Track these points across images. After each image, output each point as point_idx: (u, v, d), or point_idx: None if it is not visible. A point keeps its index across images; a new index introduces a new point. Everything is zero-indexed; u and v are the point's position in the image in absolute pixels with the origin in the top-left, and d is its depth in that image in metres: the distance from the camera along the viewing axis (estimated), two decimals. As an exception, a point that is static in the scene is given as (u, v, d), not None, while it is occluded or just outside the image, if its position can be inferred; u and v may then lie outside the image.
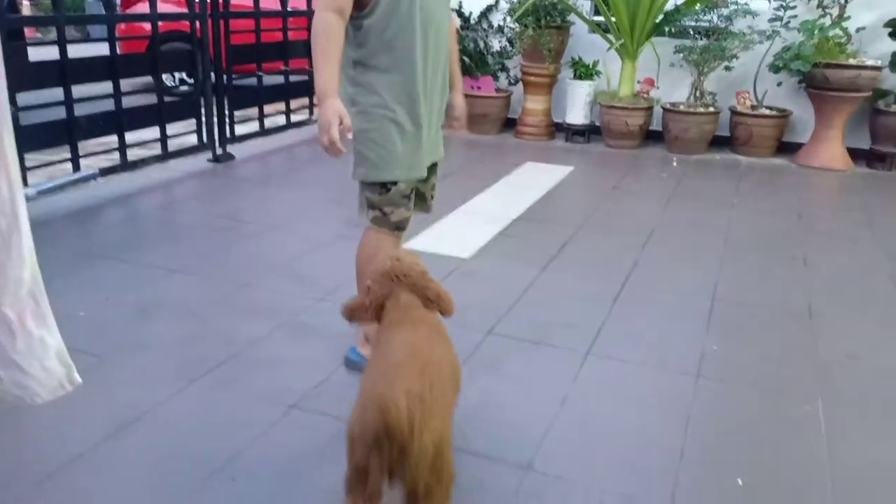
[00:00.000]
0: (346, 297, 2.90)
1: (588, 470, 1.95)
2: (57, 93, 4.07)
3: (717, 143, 5.94)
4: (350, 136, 2.06)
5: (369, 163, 2.22)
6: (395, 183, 2.25)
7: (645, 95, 5.97)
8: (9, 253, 1.36)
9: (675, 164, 5.58)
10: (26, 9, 13.35)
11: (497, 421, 2.17)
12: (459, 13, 6.38)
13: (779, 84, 5.69)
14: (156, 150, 4.86)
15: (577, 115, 6.15)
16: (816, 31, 5.35)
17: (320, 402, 2.24)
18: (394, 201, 2.27)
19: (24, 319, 1.43)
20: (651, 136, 6.11)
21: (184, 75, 7.29)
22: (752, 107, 5.78)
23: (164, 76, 4.98)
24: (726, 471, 1.97)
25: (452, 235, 3.79)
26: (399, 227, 2.31)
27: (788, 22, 5.52)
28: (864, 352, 2.66)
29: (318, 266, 3.31)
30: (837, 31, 5.40)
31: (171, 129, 4.93)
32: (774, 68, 5.55)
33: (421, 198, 2.46)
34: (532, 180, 4.94)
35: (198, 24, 5.00)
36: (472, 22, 6.36)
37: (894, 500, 1.87)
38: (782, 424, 2.19)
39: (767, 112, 5.75)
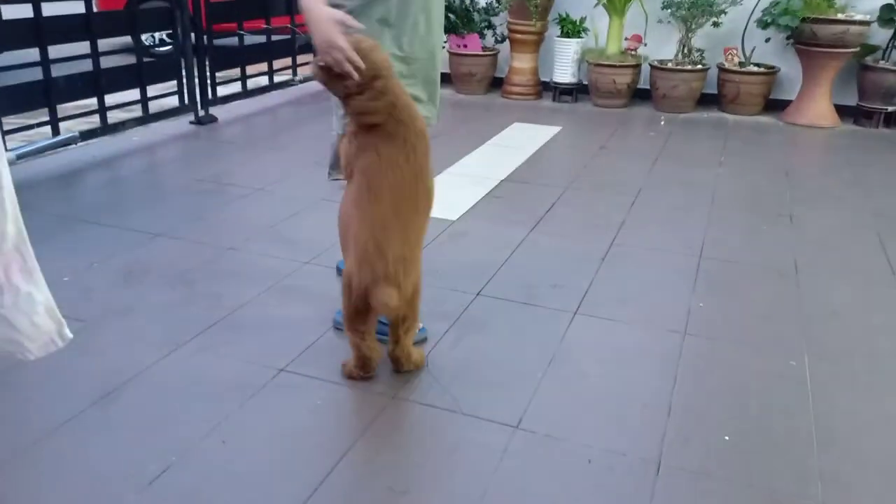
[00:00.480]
0: (332, 260, 2.91)
1: (576, 428, 1.97)
2: (32, 53, 3.96)
3: (705, 100, 5.91)
4: (360, 26, 1.90)
5: None
6: None
7: (633, 53, 5.91)
8: None
9: (662, 122, 5.56)
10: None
11: (486, 381, 2.18)
12: (444, -31, 6.25)
13: (767, 40, 5.64)
14: (136, 112, 4.77)
15: (564, 73, 6.08)
16: (805, -14, 5.29)
17: (309, 364, 2.24)
18: None
19: (11, 274, 1.41)
20: (639, 95, 6.06)
21: (163, 34, 7.13)
22: (740, 64, 5.74)
23: (143, 36, 4.85)
24: (713, 426, 1.99)
25: (440, 197, 3.71)
26: None
27: (777, -23, 5.45)
28: (848, 308, 2.68)
29: (303, 228, 3.29)
30: (826, -14, 5.35)
31: (152, 90, 4.83)
32: (763, 24, 5.49)
33: None
34: (520, 141, 4.91)
35: (176, -20, 4.87)
36: (458, -22, 6.24)
37: (876, 451, 1.91)
38: (768, 379, 2.22)
39: (755, 69, 5.71)
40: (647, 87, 5.98)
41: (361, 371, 2.11)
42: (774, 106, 5.80)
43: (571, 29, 5.98)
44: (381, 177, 1.86)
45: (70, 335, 1.50)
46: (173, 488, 1.72)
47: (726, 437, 1.94)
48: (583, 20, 6.00)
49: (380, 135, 1.88)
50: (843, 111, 5.60)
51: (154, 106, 4.86)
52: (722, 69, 5.77)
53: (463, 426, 1.97)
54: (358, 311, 1.95)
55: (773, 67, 5.73)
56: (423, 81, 2.29)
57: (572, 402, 2.09)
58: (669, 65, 5.80)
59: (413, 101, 1.95)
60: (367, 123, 1.88)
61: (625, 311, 2.61)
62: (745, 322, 2.57)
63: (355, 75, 1.82)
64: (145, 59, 4.80)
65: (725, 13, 5.60)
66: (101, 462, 1.80)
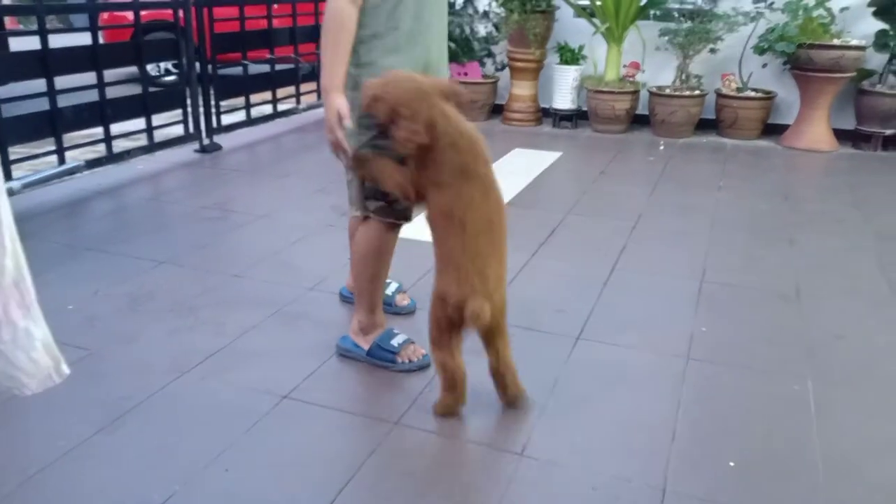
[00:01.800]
0: (335, 287, 2.92)
1: (581, 454, 1.97)
2: (39, 84, 4.02)
3: (704, 126, 5.96)
4: (348, 123, 2.03)
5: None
6: None
7: (631, 79, 5.98)
8: None
9: (661, 147, 5.60)
10: (5, -1, 13.15)
11: (490, 407, 2.18)
12: (445, -2, 6.34)
13: (764, 66, 5.71)
14: (142, 140, 4.82)
15: (563, 100, 6.15)
16: (800, 12, 5.36)
17: (313, 391, 2.24)
18: None
19: (9, 309, 1.41)
20: (638, 120, 6.12)
21: (169, 65, 7.23)
22: (738, 89, 5.80)
23: (148, 66, 4.92)
24: (718, 451, 1.99)
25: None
26: (405, 217, 2.28)
27: (772, 3, 5.53)
28: (851, 331, 2.69)
29: (307, 255, 3.31)
30: (821, 12, 5.42)
31: (157, 119, 4.88)
32: (759, 50, 5.56)
33: None
34: (520, 166, 4.94)
35: (181, 12, 4.95)
36: (458, 7, 6.33)
37: (883, 476, 1.90)
38: (772, 404, 2.22)
39: (753, 94, 5.77)
40: (646, 112, 6.03)
41: (450, 392, 2.09)
42: (773, 130, 5.85)
43: (570, 57, 6.06)
44: (466, 211, 1.95)
45: (67, 371, 1.50)
46: (178, 517, 1.71)
47: (732, 463, 1.94)
48: (581, 48, 6.08)
49: (442, 162, 1.94)
50: (841, 135, 5.65)
51: (159, 135, 4.91)
52: (720, 94, 5.83)
53: (468, 453, 1.97)
54: (452, 324, 2.01)
55: (770, 92, 5.79)
56: None
57: (576, 428, 2.09)
58: (668, 91, 5.86)
59: (466, 124, 1.98)
60: (415, 148, 1.93)
61: (628, 335, 2.62)
62: (748, 346, 2.57)
63: (342, 159, 2.09)
64: (151, 89, 4.86)
65: (723, 40, 5.67)
66: (106, 491, 1.80)
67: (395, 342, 2.37)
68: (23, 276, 1.40)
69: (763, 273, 3.20)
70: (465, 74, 6.25)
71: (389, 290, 2.77)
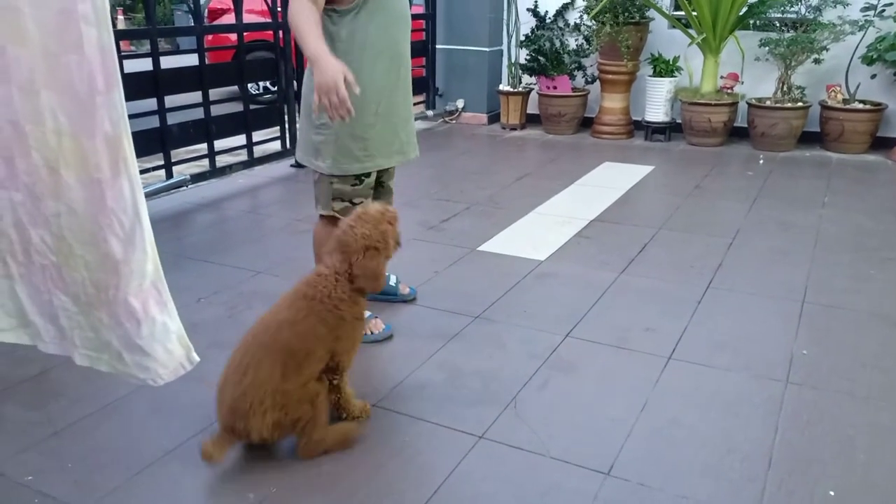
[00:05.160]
0: (430, 296, 2.96)
1: (670, 477, 1.92)
2: (150, 103, 4.28)
3: (806, 139, 5.70)
4: (357, 90, 2.10)
5: (350, 155, 2.40)
6: (368, 174, 2.46)
7: (729, 91, 5.79)
8: (133, 248, 1.47)
9: (761, 161, 5.39)
10: (121, 23, 14.10)
11: (575, 424, 2.15)
12: (535, 13, 6.36)
13: (873, 76, 5.41)
14: (242, 156, 5.05)
15: (656, 112, 6.02)
16: (914, 20, 5.07)
17: (398, 401, 2.28)
18: (363, 192, 2.48)
19: (148, 307, 1.54)
20: (735, 133, 5.92)
21: (267, 83, 7.54)
22: (844, 101, 5.52)
23: (248, 85, 5.16)
24: (817, 480, 1.89)
25: (528, 237, 3.78)
26: None
27: (883, 10, 5.25)
28: (969, 359, 2.51)
29: (395, 267, 3.36)
30: (937, 19, 5.10)
31: (256, 136, 5.11)
32: (868, 60, 5.28)
33: (386, 188, 2.68)
34: (610, 180, 4.87)
35: (281, 33, 5.17)
36: (548, 21, 6.33)
37: None
38: (875, 433, 2.09)
39: (860, 106, 5.47)
40: (745, 125, 5.83)
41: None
42: (882, 144, 5.53)
43: (664, 68, 5.94)
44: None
45: (197, 358, 1.62)
46: (270, 519, 1.78)
47: (832, 493, 1.84)
48: (676, 59, 5.95)
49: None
50: (960, 148, 5.28)
51: (258, 151, 5.14)
52: (824, 106, 5.57)
53: (552, 470, 1.95)
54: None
55: (880, 104, 5.48)
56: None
57: (667, 450, 2.04)
58: (768, 102, 5.64)
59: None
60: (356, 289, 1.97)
61: (722, 357, 2.53)
62: (851, 371, 2.44)
63: (346, 119, 2.08)
64: (251, 107, 5.09)
65: (828, 49, 5.42)
66: (205, 489, 1.90)
67: None
68: (160, 276, 1.53)
69: (869, 295, 3.02)
70: (554, 88, 6.23)
71: (392, 282, 2.97)
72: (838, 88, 5.54)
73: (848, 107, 5.48)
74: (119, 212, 1.44)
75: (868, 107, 5.46)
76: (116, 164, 1.40)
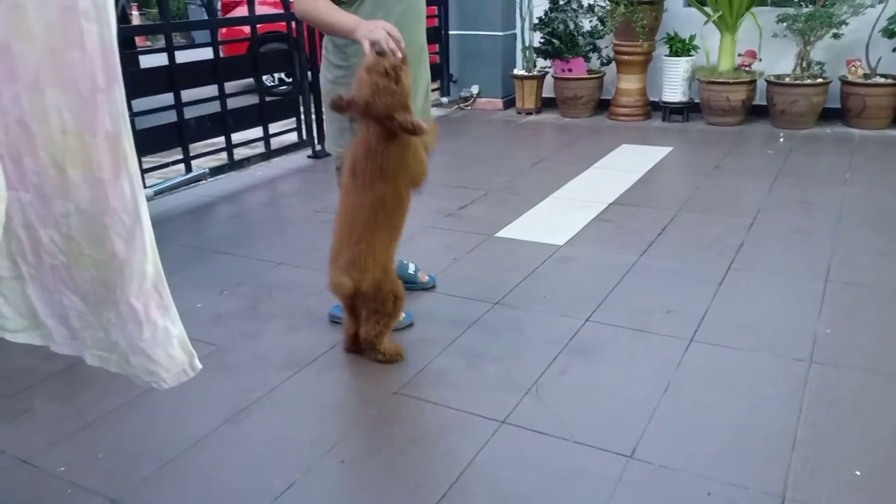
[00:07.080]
0: (449, 284, 2.98)
1: (694, 458, 1.92)
2: (167, 97, 4.32)
3: (827, 115, 5.62)
4: (403, 45, 2.15)
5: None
6: None
7: (747, 69, 5.72)
8: (133, 248, 1.48)
9: (781, 139, 5.33)
10: (135, 18, 14.17)
11: (597, 408, 2.16)
12: (549, -5, 6.31)
13: (894, 50, 5.31)
14: (259, 148, 5.08)
15: (674, 92, 5.96)
16: (938, -10, 4.96)
17: (421, 388, 2.30)
18: None
19: (150, 310, 1.55)
20: (754, 112, 5.84)
21: (282, 75, 7.55)
22: (865, 76, 5.42)
23: (264, 77, 5.18)
24: (842, 460, 1.89)
25: (546, 222, 3.77)
26: None
27: (905, -19, 5.15)
28: None
29: (413, 255, 3.38)
30: (962, -12, 4.99)
31: (273, 127, 5.13)
32: (888, 33, 5.18)
33: None
34: (628, 163, 4.84)
35: (294, 24, 5.17)
36: (562, 3, 6.27)
37: None
38: (904, 412, 2.08)
39: (882, 80, 5.37)
40: (764, 103, 5.75)
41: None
42: (906, 118, 5.43)
43: (681, 47, 5.87)
44: (340, 201, 2.35)
45: (199, 366, 1.62)
46: (298, 505, 1.81)
47: (857, 472, 1.83)
48: (692, 38, 5.87)
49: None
50: None
51: (275, 142, 5.16)
52: (845, 82, 5.47)
53: (575, 454, 1.96)
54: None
55: (903, 77, 5.38)
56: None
57: (690, 432, 2.04)
58: (787, 79, 5.56)
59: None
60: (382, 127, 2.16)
61: (745, 338, 2.52)
62: (876, 349, 2.42)
63: (398, 53, 2.12)
64: (267, 99, 5.11)
65: (847, 24, 5.32)
66: (232, 478, 1.93)
67: None
68: (161, 279, 1.54)
69: (893, 272, 2.99)
70: (570, 70, 6.18)
71: (411, 270, 2.98)
72: (859, 63, 5.44)
73: (869, 81, 5.38)
74: (121, 211, 1.44)
75: (890, 81, 5.36)
76: (117, 162, 1.41)
